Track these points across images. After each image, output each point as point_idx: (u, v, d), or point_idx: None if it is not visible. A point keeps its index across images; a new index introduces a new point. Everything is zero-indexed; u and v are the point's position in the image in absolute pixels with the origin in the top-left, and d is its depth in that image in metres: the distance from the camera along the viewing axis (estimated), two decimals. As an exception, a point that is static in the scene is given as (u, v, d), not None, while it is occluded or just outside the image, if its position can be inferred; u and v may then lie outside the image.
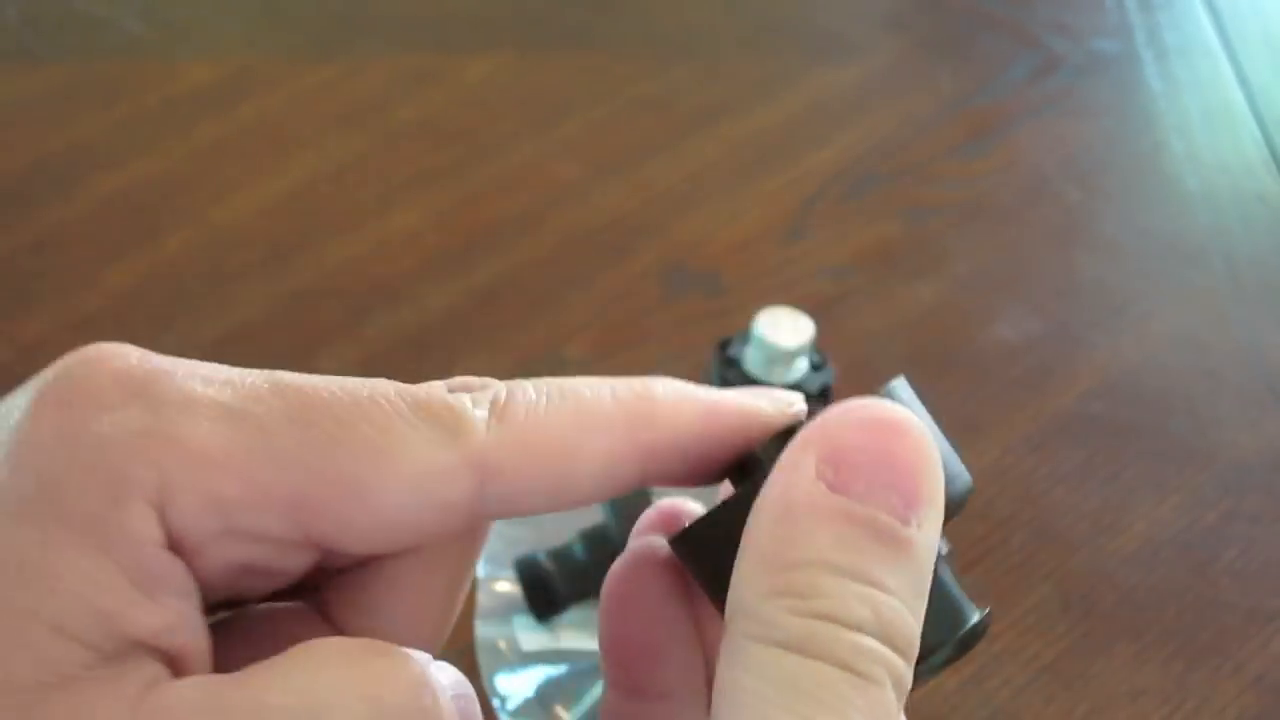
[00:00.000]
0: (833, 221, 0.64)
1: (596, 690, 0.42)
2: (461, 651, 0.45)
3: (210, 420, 0.20)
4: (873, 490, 0.20)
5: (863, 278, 0.61)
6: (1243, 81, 0.74)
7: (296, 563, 0.21)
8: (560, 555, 0.45)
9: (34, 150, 0.66)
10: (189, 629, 0.20)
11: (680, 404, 0.22)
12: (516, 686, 0.43)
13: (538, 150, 0.67)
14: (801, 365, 0.52)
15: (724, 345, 0.53)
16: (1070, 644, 0.47)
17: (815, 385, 0.52)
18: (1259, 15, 0.80)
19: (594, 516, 0.46)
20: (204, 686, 0.19)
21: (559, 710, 0.42)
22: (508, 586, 0.47)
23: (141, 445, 0.20)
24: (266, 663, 0.19)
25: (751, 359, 0.52)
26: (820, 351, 0.53)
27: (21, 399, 0.20)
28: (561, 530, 0.46)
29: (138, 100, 0.69)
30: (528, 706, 0.43)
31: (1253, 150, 0.69)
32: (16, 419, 0.20)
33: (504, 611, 0.46)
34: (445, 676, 0.20)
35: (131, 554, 0.19)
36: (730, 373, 0.52)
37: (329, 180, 0.65)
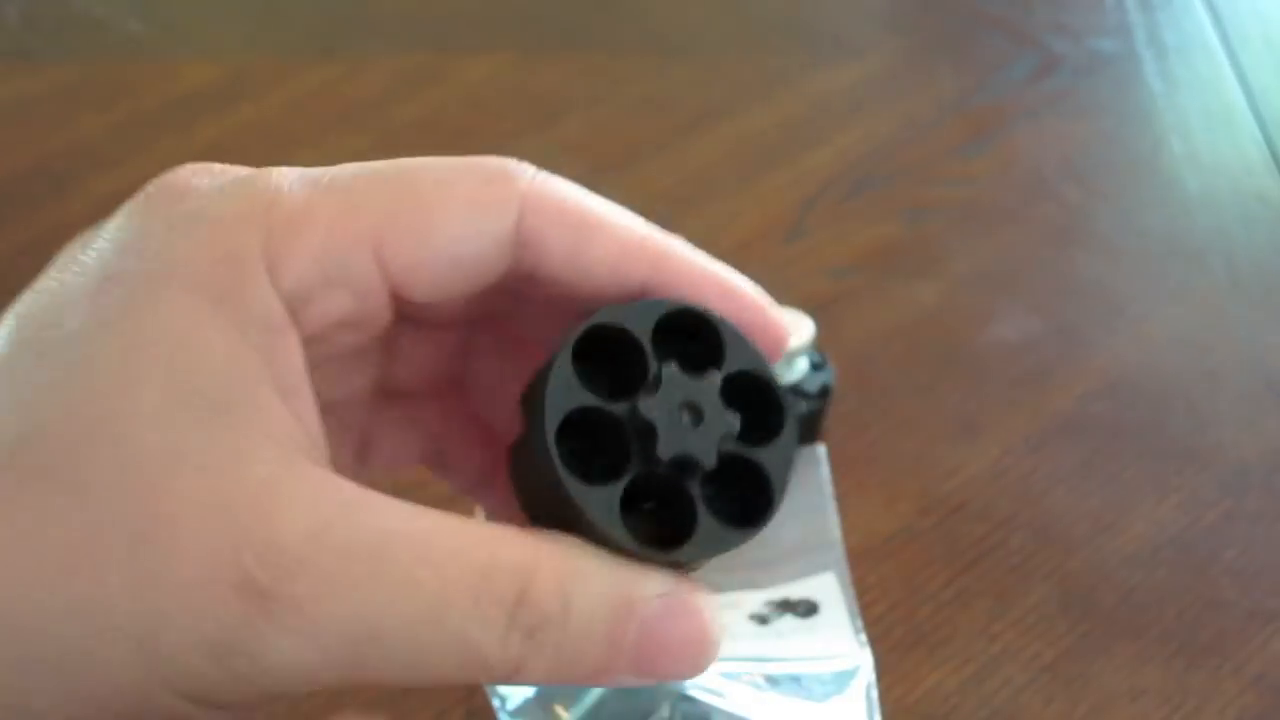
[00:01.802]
0: (833, 221, 0.64)
1: (596, 690, 0.42)
2: (461, 651, 0.45)
3: (297, 189, 0.23)
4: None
5: (863, 278, 0.61)
6: (1243, 81, 0.74)
7: (378, 314, 0.24)
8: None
9: (34, 150, 0.66)
10: (303, 401, 0.23)
11: (695, 257, 0.25)
12: (517, 686, 0.43)
13: (538, 150, 0.67)
14: (801, 365, 0.52)
15: (724, 345, 0.53)
16: (1070, 644, 0.47)
17: (815, 385, 0.52)
18: (1259, 15, 0.80)
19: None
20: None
21: (559, 710, 0.42)
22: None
23: (246, 218, 0.22)
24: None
25: (751, 359, 0.52)
26: (820, 351, 0.53)
27: (119, 214, 0.23)
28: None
29: (138, 100, 0.69)
30: (528, 706, 0.43)
31: (1253, 150, 0.69)
32: (119, 223, 0.23)
33: (504, 611, 0.46)
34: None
35: (256, 325, 0.22)
36: (730, 373, 0.52)
37: (329, 180, 0.65)
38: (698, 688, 0.42)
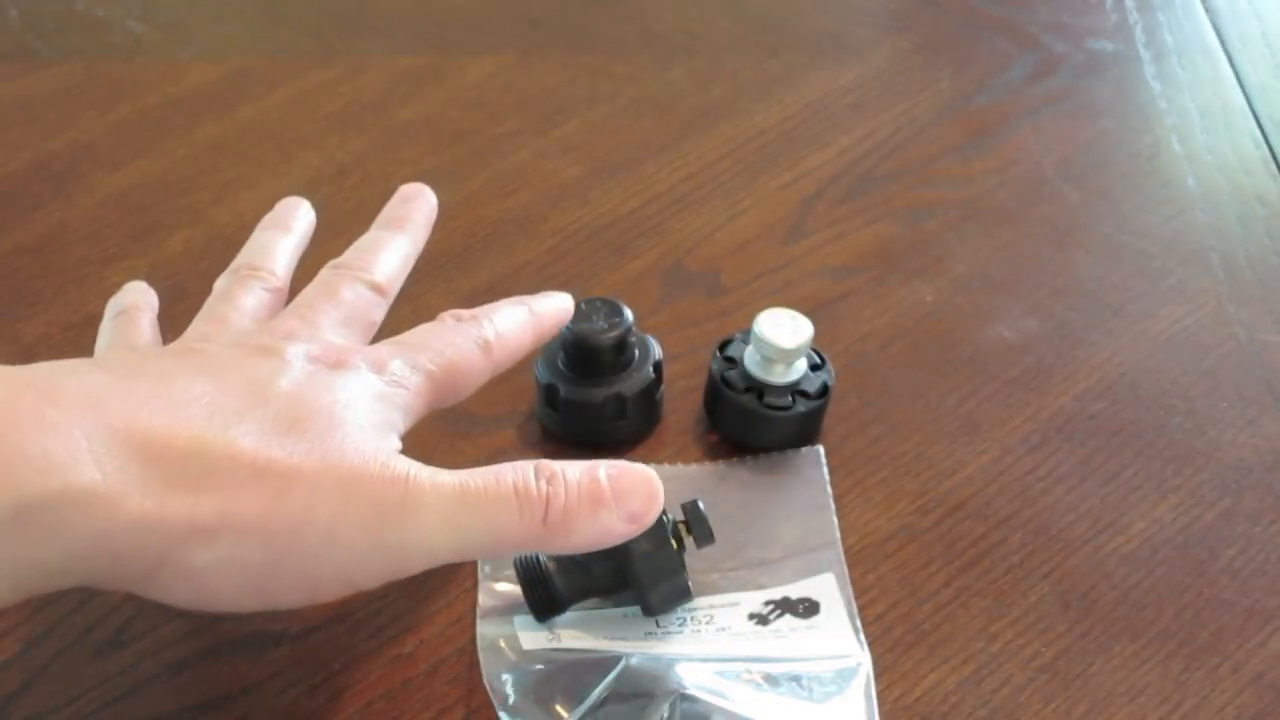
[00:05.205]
0: (833, 221, 0.64)
1: (597, 690, 0.43)
2: (461, 651, 0.46)
3: (418, 380, 0.43)
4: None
5: (863, 278, 0.61)
6: (1242, 82, 0.74)
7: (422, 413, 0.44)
8: (560, 555, 0.45)
9: (34, 150, 0.66)
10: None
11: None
12: (517, 686, 0.43)
13: (538, 150, 0.67)
14: (801, 365, 0.52)
15: (724, 345, 0.53)
16: (1069, 643, 0.47)
17: (815, 385, 0.52)
18: (1258, 15, 0.80)
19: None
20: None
21: (559, 710, 0.42)
22: (508, 586, 0.47)
23: (392, 392, 0.42)
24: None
25: (751, 359, 0.52)
26: (820, 351, 0.53)
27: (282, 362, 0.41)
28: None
29: (138, 100, 0.69)
30: (528, 706, 0.43)
31: (1251, 150, 0.69)
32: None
33: (504, 611, 0.46)
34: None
35: (406, 415, 0.42)
36: (730, 373, 0.52)
37: (329, 180, 0.65)
38: (698, 688, 0.42)
